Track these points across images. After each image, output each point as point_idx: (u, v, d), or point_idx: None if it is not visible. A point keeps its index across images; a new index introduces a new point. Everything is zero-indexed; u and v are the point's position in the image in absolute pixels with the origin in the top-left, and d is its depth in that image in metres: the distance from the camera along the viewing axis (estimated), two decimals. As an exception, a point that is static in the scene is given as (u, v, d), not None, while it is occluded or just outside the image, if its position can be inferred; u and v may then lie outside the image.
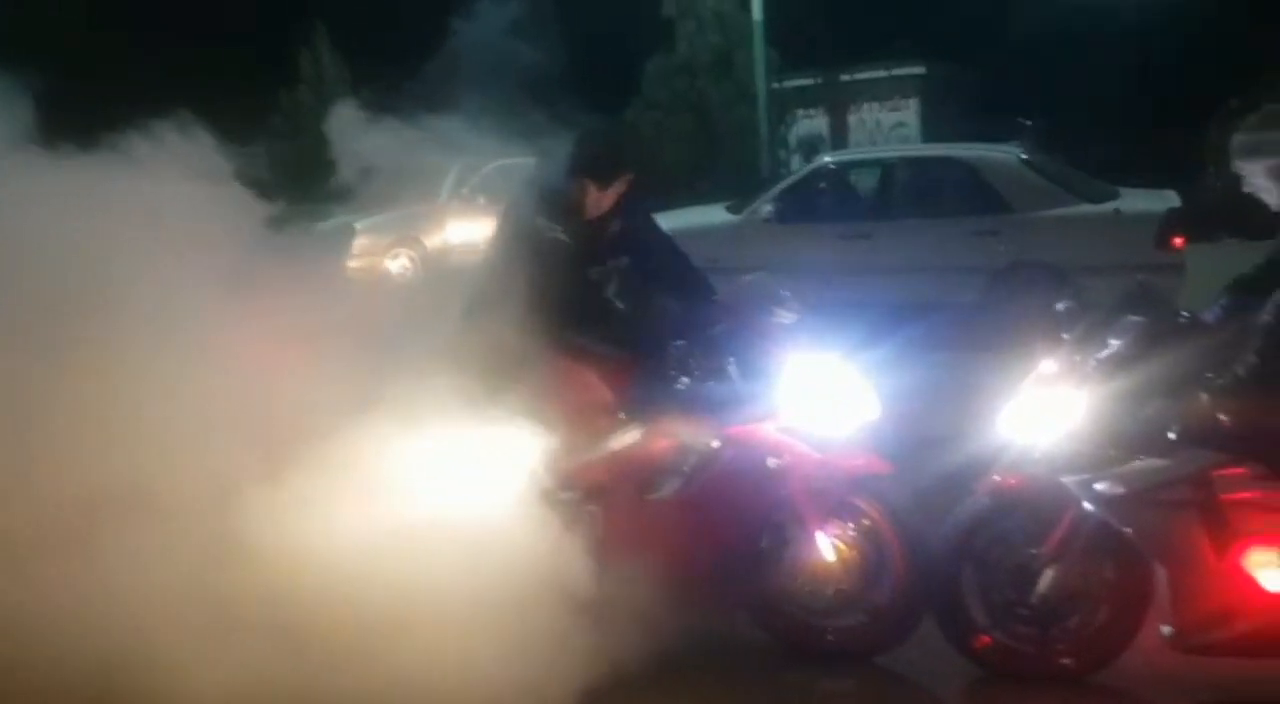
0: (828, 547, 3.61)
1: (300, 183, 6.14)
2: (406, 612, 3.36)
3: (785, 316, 3.59)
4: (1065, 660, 3.48)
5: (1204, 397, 3.06)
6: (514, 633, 3.33)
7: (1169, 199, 8.44)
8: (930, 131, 15.41)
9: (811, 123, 16.34)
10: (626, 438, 3.49)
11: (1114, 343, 3.27)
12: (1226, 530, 3.18)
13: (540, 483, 3.50)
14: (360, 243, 9.65)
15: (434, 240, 9.38)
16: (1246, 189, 3.15)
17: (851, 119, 16.14)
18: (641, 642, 3.42)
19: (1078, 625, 3.47)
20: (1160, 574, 3.36)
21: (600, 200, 3.70)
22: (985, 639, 3.55)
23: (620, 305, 3.69)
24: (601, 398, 3.46)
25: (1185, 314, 3.38)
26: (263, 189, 3.89)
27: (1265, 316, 3.00)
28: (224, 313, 3.54)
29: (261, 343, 3.53)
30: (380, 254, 9.92)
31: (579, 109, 4.00)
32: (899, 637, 3.66)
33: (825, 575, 3.63)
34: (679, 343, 3.46)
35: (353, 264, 9.39)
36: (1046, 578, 3.42)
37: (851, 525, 3.65)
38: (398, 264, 9.96)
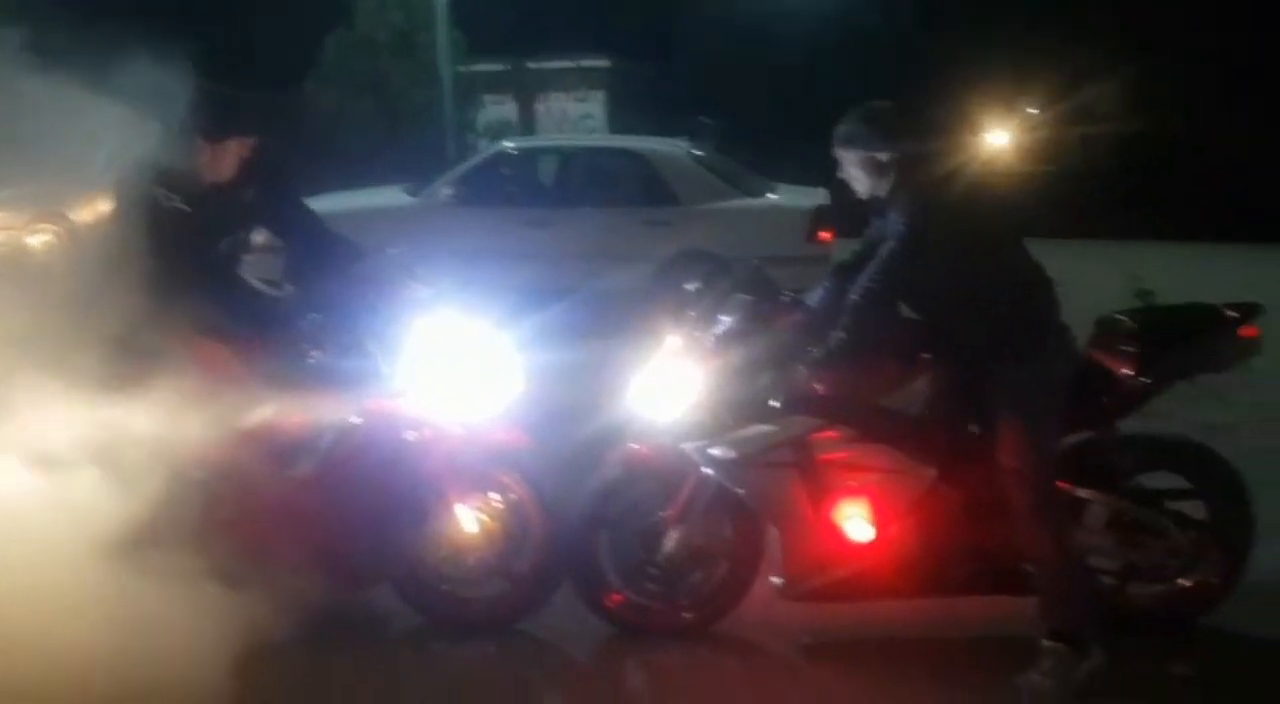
0: (469, 519, 3.70)
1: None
2: (30, 597, 3.21)
3: (421, 290, 3.63)
4: (688, 614, 3.75)
5: (801, 368, 3.38)
6: (148, 615, 3.25)
7: (820, 196, 9.17)
8: (616, 124, 15.88)
9: (500, 109, 16.46)
10: (260, 414, 3.42)
11: (725, 320, 3.55)
12: (821, 488, 3.54)
13: (171, 462, 3.39)
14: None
15: (82, 215, 8.72)
16: (841, 175, 3.49)
17: (540, 107, 16.38)
18: (282, 620, 3.40)
19: (700, 581, 3.75)
20: (771, 531, 3.70)
21: (219, 163, 3.55)
22: (617, 598, 3.77)
23: (251, 278, 3.60)
24: (231, 373, 3.37)
25: (789, 295, 3.72)
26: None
27: (852, 296, 3.35)
28: None
29: None
30: (20, 229, 9.15)
31: (253, 86, 3.85)
32: (539, 602, 3.81)
33: (466, 547, 3.72)
34: (314, 317, 3.42)
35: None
36: (672, 539, 3.67)
37: (492, 497, 3.76)
38: (39, 240, 9.21)
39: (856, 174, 3.44)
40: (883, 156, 3.36)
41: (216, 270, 3.54)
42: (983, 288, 3.31)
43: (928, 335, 3.48)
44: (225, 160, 3.54)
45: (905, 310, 3.49)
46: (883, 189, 3.40)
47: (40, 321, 3.50)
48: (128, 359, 3.37)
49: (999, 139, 5.35)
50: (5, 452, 3.42)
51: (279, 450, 3.47)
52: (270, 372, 3.41)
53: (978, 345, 3.37)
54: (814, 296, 3.71)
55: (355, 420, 3.52)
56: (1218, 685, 3.45)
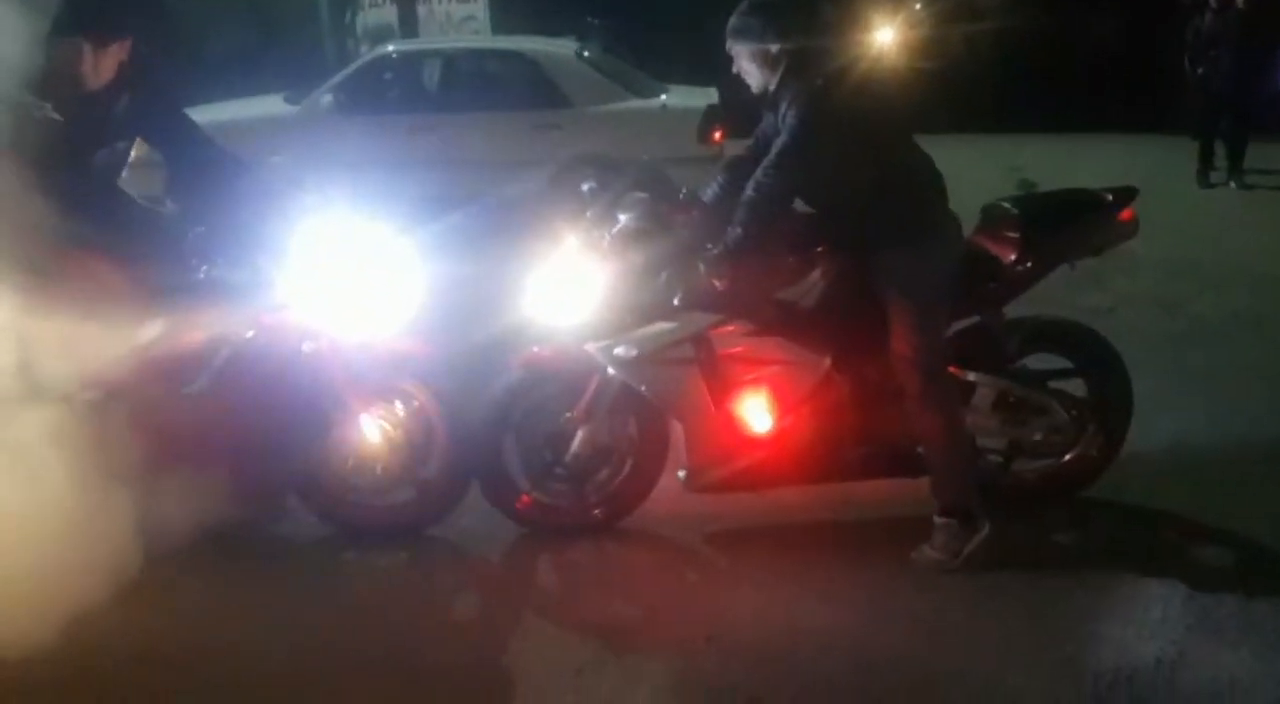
0: (372, 428, 3.70)
1: None
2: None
3: (309, 199, 3.55)
4: (597, 511, 3.82)
5: (699, 265, 3.40)
6: (48, 540, 3.18)
7: (711, 96, 9.12)
8: (501, 27, 15.43)
9: (379, 13, 15.89)
10: (149, 332, 3.33)
11: (623, 218, 3.55)
12: (721, 382, 3.61)
13: (59, 384, 3.29)
14: None
15: None
16: (735, 70, 3.48)
17: (421, 10, 15.85)
18: (189, 539, 3.38)
19: (606, 479, 3.81)
20: (674, 427, 3.76)
21: (98, 68, 3.36)
22: (526, 499, 3.82)
23: (130, 192, 3.46)
24: (116, 290, 3.26)
25: (684, 191, 3.73)
26: None
27: (748, 192, 3.37)
28: None
29: None
30: None
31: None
32: (448, 508, 3.84)
33: (371, 456, 3.72)
34: (200, 230, 3.32)
35: None
36: (578, 439, 3.72)
37: (395, 406, 3.75)
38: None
39: (749, 67, 3.43)
40: (774, 49, 3.36)
41: (95, 183, 3.38)
42: (872, 178, 3.36)
43: (821, 228, 3.54)
44: (103, 65, 3.35)
45: (798, 204, 3.53)
46: (774, 83, 3.41)
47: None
48: (4, 280, 3.23)
49: (884, 36, 5.38)
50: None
51: (173, 368, 3.38)
52: (158, 288, 3.30)
53: (868, 235, 3.43)
54: (708, 193, 3.73)
55: (249, 334, 3.45)
56: (1098, 552, 3.66)
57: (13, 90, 3.21)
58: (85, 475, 3.25)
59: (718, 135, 8.89)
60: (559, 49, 9.66)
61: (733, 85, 3.58)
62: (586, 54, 9.61)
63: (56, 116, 3.22)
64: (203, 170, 3.57)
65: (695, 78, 9.64)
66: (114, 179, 3.51)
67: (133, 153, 3.53)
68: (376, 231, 3.66)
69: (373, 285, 3.60)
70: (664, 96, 9.48)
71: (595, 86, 9.24)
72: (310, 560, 3.78)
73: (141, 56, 3.44)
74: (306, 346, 3.51)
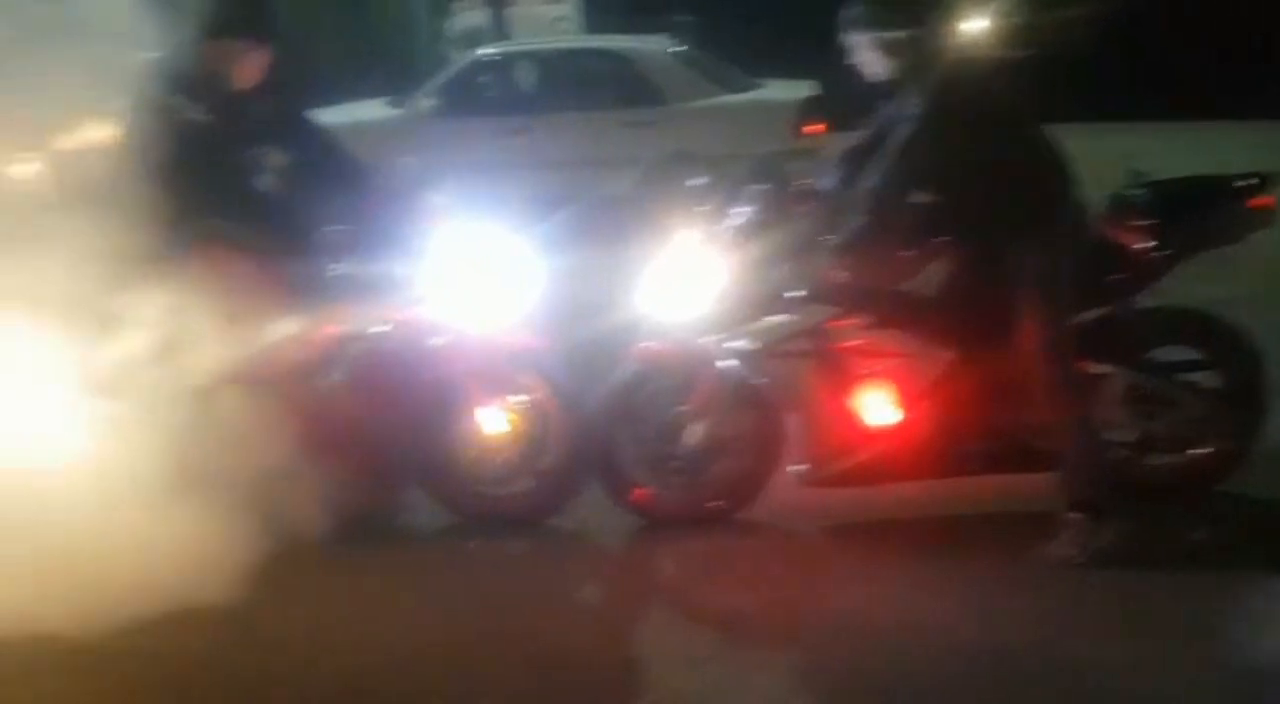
0: (494, 420, 3.76)
1: None
2: (71, 518, 3.26)
3: (440, 199, 3.63)
4: (713, 503, 3.82)
5: (820, 257, 3.39)
6: (185, 529, 3.31)
7: (807, 88, 9.07)
8: (592, 26, 15.53)
9: (471, 16, 16.09)
10: (285, 327, 3.43)
11: (742, 211, 3.55)
12: (840, 375, 3.58)
13: (199, 377, 3.41)
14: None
15: (67, 142, 8.46)
16: (853, 60, 3.46)
17: (511, 13, 16.01)
18: (320, 526, 3.49)
19: (722, 472, 3.80)
20: (790, 420, 3.75)
21: (247, 71, 3.49)
22: (642, 492, 3.83)
23: (271, 192, 3.57)
24: (255, 288, 3.36)
25: (804, 183, 3.71)
26: None
27: (871, 181, 3.35)
28: None
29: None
30: (3, 160, 8.90)
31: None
32: (565, 498, 3.88)
33: (493, 447, 3.78)
34: (336, 229, 3.41)
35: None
36: (694, 431, 3.72)
37: (515, 398, 3.81)
38: (23, 170, 8.97)
39: (868, 57, 3.41)
40: (896, 37, 3.33)
41: (237, 184, 3.50)
42: (1001, 165, 3.31)
43: (944, 218, 3.49)
44: (251, 68, 3.48)
45: (919, 194, 3.49)
46: (895, 71, 3.37)
47: (43, 250, 3.46)
48: (148, 277, 3.35)
49: (990, 21, 5.27)
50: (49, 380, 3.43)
51: (307, 362, 3.48)
52: (294, 285, 3.40)
53: (994, 224, 3.38)
54: (826, 184, 3.71)
55: (381, 329, 3.54)
56: (1233, 550, 3.55)
57: (162, 92, 3.34)
58: (224, 467, 3.35)
59: (815, 128, 8.83)
60: (651, 46, 9.69)
61: (834, 77, 3.55)
62: (679, 51, 9.62)
63: (205, 117, 3.33)
64: (334, 172, 3.68)
65: (790, 72, 9.59)
66: (255, 180, 3.61)
67: (272, 154, 3.64)
68: (495, 230, 3.74)
69: (495, 282, 3.68)
70: (758, 90, 9.45)
71: (688, 82, 9.25)
72: (437, 547, 3.86)
73: (281, 61, 3.54)
74: (434, 342, 3.58)
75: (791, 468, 3.70)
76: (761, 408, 3.73)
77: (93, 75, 3.36)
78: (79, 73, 3.36)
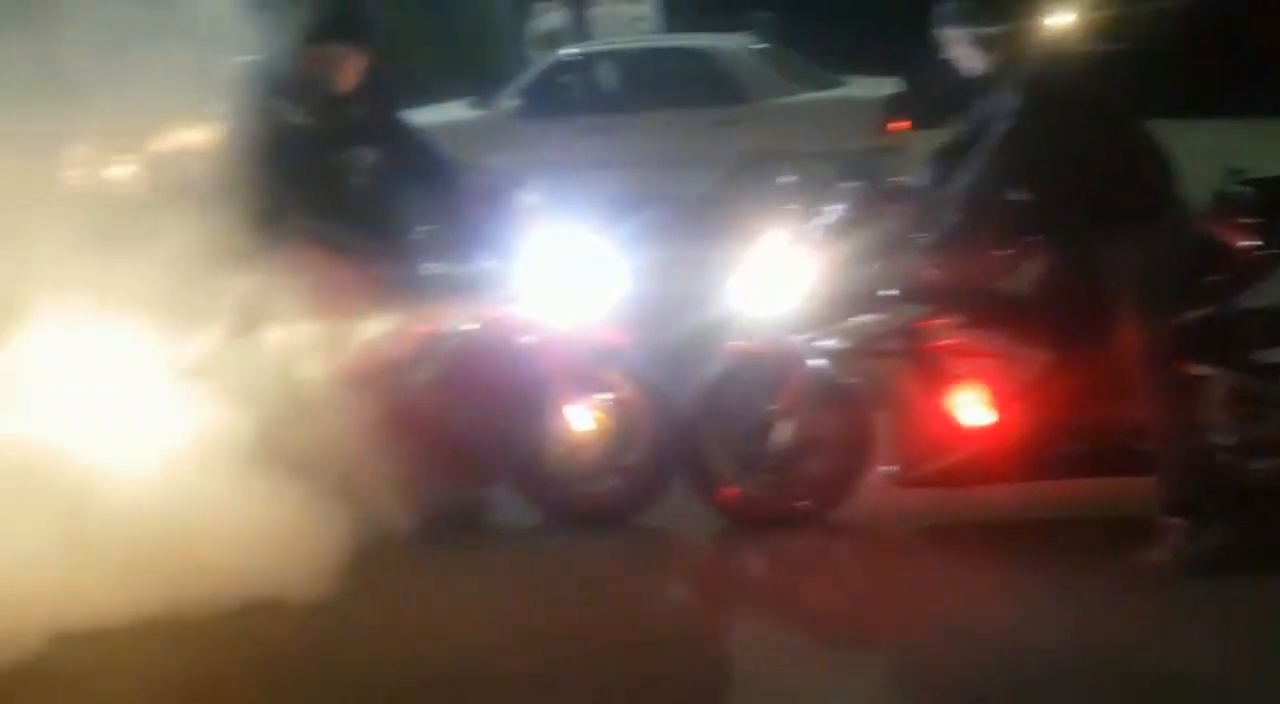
0: (581, 417, 3.78)
1: None
2: (165, 508, 3.35)
3: (530, 198, 3.66)
4: (802, 503, 3.80)
5: (912, 256, 3.35)
6: (273, 522, 3.37)
7: (892, 85, 8.97)
8: (671, 25, 15.52)
9: (551, 17, 16.19)
10: (380, 325, 3.50)
11: (834, 209, 3.53)
12: (935, 375, 3.54)
13: (294, 374, 3.48)
14: (78, 150, 8.88)
15: (162, 144, 8.69)
16: (947, 55, 3.42)
17: (591, 13, 16.08)
18: (409, 520, 3.55)
19: (812, 472, 3.78)
20: (881, 419, 3.71)
21: (349, 74, 3.56)
22: (730, 491, 3.82)
23: (366, 193, 3.64)
24: (350, 287, 3.43)
25: (896, 180, 3.68)
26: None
27: (967, 178, 3.31)
28: None
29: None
30: (98, 163, 9.18)
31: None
32: (652, 496, 3.89)
33: (580, 444, 3.81)
34: (429, 228, 3.47)
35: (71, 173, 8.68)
36: (783, 430, 3.71)
37: (602, 396, 3.83)
38: (121, 172, 9.24)
39: (964, 52, 3.37)
40: (990, 32, 3.29)
41: (336, 184, 3.57)
42: (1101, 160, 3.25)
43: (1040, 215, 3.43)
44: (352, 71, 3.55)
45: (1015, 191, 3.43)
46: (991, 66, 3.33)
47: (139, 249, 3.56)
48: (244, 275, 3.44)
49: (1074, 17, 5.15)
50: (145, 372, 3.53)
51: (400, 359, 3.54)
52: (388, 283, 3.47)
53: (1094, 222, 3.32)
54: (918, 182, 3.68)
55: (471, 327, 3.58)
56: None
57: (263, 95, 3.42)
58: (316, 462, 3.42)
59: (900, 125, 8.73)
60: (734, 44, 9.65)
61: (916, 74, 3.52)
62: (761, 48, 9.57)
63: (304, 120, 3.41)
64: (428, 172, 3.74)
65: (867, 69, 9.50)
66: (352, 181, 3.69)
67: (368, 156, 3.71)
68: (581, 229, 3.77)
69: (582, 281, 3.70)
70: (842, 87, 9.37)
71: (771, 80, 9.20)
72: (520, 545, 3.90)
73: (377, 63, 3.61)
74: (524, 340, 3.62)
75: (882, 469, 3.67)
76: (851, 408, 3.70)
77: (188, 79, 3.44)
78: (175, 76, 3.44)
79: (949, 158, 3.57)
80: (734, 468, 3.82)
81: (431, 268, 3.50)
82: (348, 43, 3.52)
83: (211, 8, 3.60)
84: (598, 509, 3.91)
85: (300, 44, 3.45)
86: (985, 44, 3.30)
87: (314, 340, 3.46)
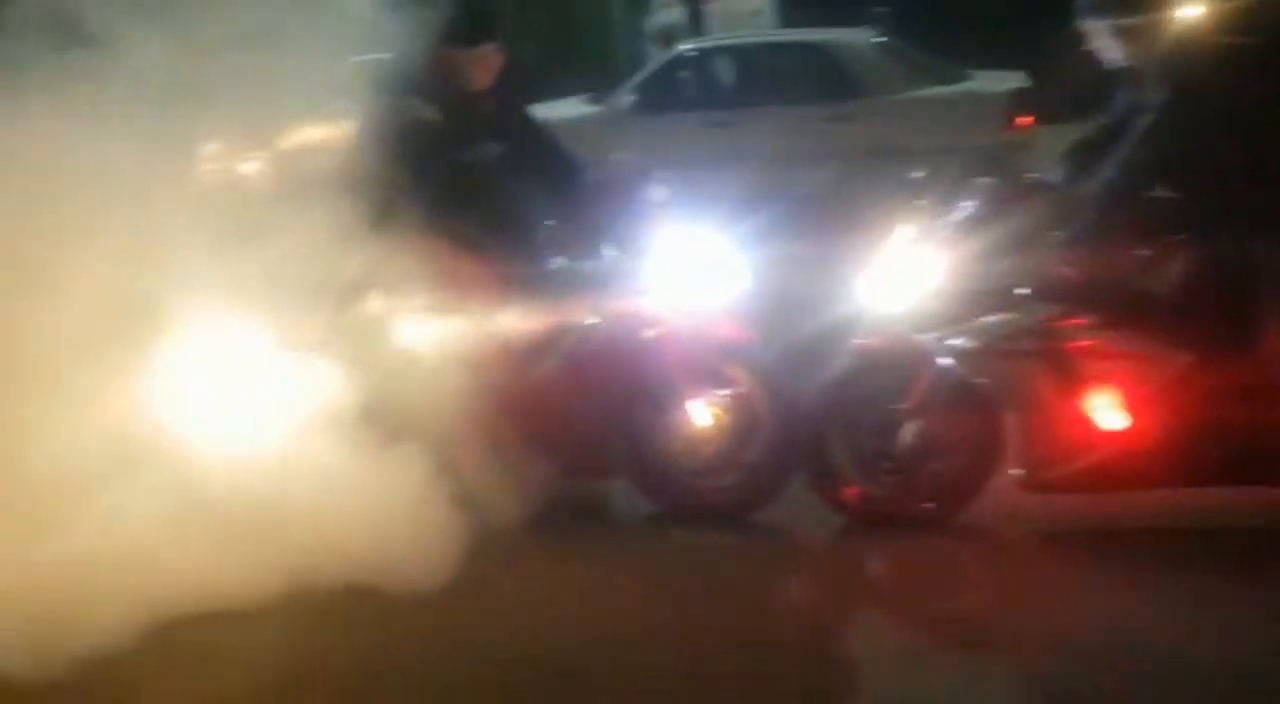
0: (702, 412, 3.78)
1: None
2: (278, 491, 3.42)
3: (655, 194, 3.68)
4: (927, 505, 3.73)
5: (1045, 254, 3.27)
6: (394, 508, 3.42)
7: (1017, 80, 8.74)
8: (788, 20, 15.42)
9: (668, 13, 16.23)
10: (507, 318, 3.55)
11: (966, 205, 3.46)
12: (1069, 377, 3.45)
13: (426, 364, 3.56)
14: (213, 146, 9.19)
15: (290, 142, 8.94)
16: (1088, 46, 3.33)
17: (708, 8, 16.07)
18: (530, 511, 3.57)
19: (938, 473, 3.71)
20: (1010, 421, 3.63)
21: (483, 74, 3.62)
22: (853, 490, 3.77)
23: (495, 188, 3.70)
24: (478, 280, 3.49)
25: (1030, 176, 3.59)
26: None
27: (1108, 173, 3.21)
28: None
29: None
30: (230, 158, 9.47)
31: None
32: (772, 493, 3.86)
33: (701, 439, 3.80)
34: (553, 223, 3.51)
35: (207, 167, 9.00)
36: (908, 430, 3.64)
37: (724, 391, 3.81)
38: (251, 168, 9.53)
39: (1108, 43, 3.28)
40: (1134, 23, 3.19)
41: (467, 180, 3.63)
42: (1248, 158, 3.12)
43: (1184, 213, 3.32)
44: (487, 71, 3.62)
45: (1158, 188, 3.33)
46: (1135, 58, 3.23)
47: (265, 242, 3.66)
48: (373, 267, 3.52)
49: (1220, 7, 4.95)
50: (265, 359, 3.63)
51: (524, 351, 3.59)
52: (515, 277, 3.52)
53: (1240, 221, 3.19)
54: (1054, 177, 3.59)
55: (596, 320, 3.62)
56: None
57: (397, 92, 3.50)
58: (445, 450, 3.49)
59: (1025, 121, 8.50)
60: (853, 38, 9.54)
61: (1044, 69, 3.43)
62: (881, 42, 9.43)
63: (438, 117, 3.48)
64: (555, 168, 3.79)
65: (984, 63, 9.28)
66: (482, 177, 3.75)
67: (498, 152, 3.76)
68: (703, 224, 3.77)
69: (704, 276, 3.70)
70: (965, 82, 9.18)
71: (892, 75, 9.06)
72: (639, 539, 3.92)
73: (508, 61, 3.67)
74: (648, 334, 3.64)
75: (1011, 471, 3.58)
76: (980, 408, 3.62)
77: (316, 77, 3.53)
78: (305, 75, 3.53)
79: (1086, 153, 3.48)
80: (857, 467, 3.76)
81: (557, 262, 3.53)
82: (486, 43, 3.58)
83: (343, 8, 3.70)
84: (717, 504, 3.90)
85: (446, 45, 3.52)
86: (1127, 35, 3.21)
87: (440, 332, 3.52)
